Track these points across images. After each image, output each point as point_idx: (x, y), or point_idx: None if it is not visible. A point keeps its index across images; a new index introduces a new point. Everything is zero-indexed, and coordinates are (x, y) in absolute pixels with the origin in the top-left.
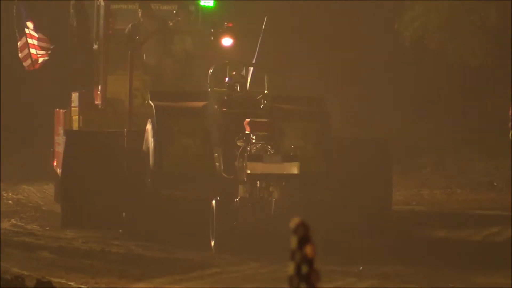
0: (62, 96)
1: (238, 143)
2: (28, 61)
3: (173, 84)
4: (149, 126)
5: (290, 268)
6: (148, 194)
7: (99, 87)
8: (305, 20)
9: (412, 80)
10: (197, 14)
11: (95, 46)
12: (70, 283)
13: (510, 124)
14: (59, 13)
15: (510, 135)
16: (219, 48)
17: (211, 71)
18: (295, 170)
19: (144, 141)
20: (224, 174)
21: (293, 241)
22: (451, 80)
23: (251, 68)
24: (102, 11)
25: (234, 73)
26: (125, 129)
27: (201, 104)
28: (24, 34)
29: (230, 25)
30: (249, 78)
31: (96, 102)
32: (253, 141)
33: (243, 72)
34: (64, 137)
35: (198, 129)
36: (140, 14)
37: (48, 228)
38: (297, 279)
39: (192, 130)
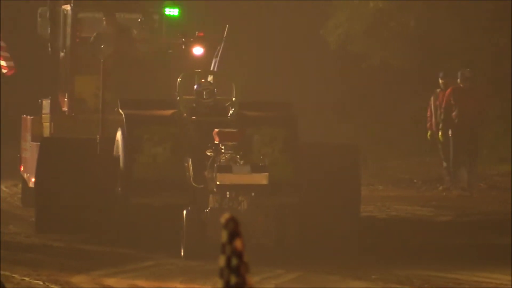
0: (28, 102)
1: (208, 153)
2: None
3: (139, 92)
4: (119, 134)
5: (221, 261)
6: (118, 201)
7: (66, 94)
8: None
9: (337, 83)
10: (162, 23)
11: (62, 54)
12: (13, 275)
13: (428, 124)
14: (25, 19)
15: (428, 134)
16: (190, 56)
17: (179, 79)
18: (264, 181)
19: (115, 149)
20: (194, 184)
21: (224, 235)
22: (373, 82)
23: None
24: (69, 19)
25: (202, 80)
26: (98, 136)
27: (170, 112)
28: None
29: (201, 34)
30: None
31: (63, 108)
32: (222, 151)
33: (211, 80)
34: (35, 143)
35: (167, 137)
36: (104, 23)
37: None
38: (228, 271)
39: (161, 138)
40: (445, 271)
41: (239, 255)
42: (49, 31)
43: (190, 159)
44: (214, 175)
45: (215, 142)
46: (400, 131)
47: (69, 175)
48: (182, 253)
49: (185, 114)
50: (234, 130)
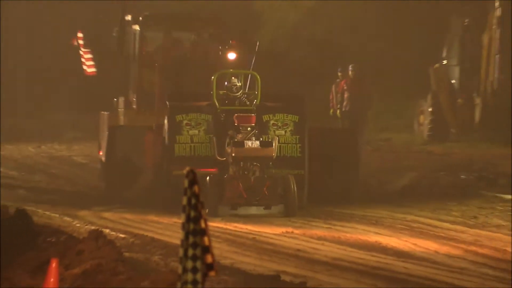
0: (105, 101)
1: (229, 133)
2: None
3: (188, 88)
4: (166, 121)
5: (184, 201)
6: (163, 174)
7: (135, 94)
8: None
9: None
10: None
11: (132, 63)
12: (37, 210)
13: (330, 104)
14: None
15: (331, 112)
16: (225, 60)
17: (213, 77)
18: (270, 153)
19: (163, 132)
20: (217, 157)
21: (185, 183)
22: (293, 76)
23: (249, 75)
24: (137, 37)
25: (233, 78)
26: (154, 124)
27: (205, 103)
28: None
29: (234, 42)
30: (247, 83)
31: (133, 106)
32: (241, 131)
33: (241, 78)
34: (107, 132)
35: (202, 123)
36: (164, 40)
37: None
38: (188, 208)
39: (196, 123)
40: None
41: (196, 196)
42: (118, 46)
43: (215, 138)
44: (231, 149)
45: (235, 124)
46: (316, 110)
47: (130, 154)
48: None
49: (217, 104)
50: (250, 115)
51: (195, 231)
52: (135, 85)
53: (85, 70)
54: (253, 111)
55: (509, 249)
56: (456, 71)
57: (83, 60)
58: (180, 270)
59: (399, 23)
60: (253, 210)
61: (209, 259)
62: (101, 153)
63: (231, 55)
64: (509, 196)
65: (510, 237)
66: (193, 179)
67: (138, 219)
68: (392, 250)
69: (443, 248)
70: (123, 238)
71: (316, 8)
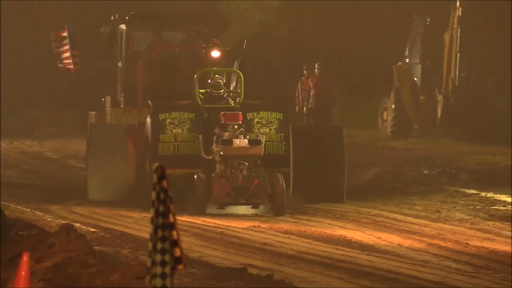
0: (93, 101)
1: (215, 131)
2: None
3: (171, 87)
4: (148, 120)
5: (153, 195)
6: (147, 172)
7: (122, 93)
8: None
9: None
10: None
11: (119, 64)
12: (9, 204)
13: (296, 101)
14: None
15: (296, 109)
16: (208, 58)
17: (196, 76)
18: (258, 152)
19: (145, 130)
20: (204, 155)
21: (154, 178)
22: (260, 74)
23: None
24: (124, 36)
25: (216, 76)
26: (137, 122)
27: (187, 102)
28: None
29: (218, 41)
30: (233, 82)
31: (121, 106)
32: (228, 129)
33: (224, 77)
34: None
35: (185, 121)
36: (152, 40)
37: None
38: (157, 202)
39: (180, 122)
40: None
41: (165, 191)
42: (104, 46)
43: (201, 136)
44: (219, 148)
45: (222, 122)
46: None
47: (111, 152)
48: (193, 209)
49: (200, 103)
50: (236, 112)
51: (163, 225)
52: (121, 84)
53: (68, 67)
54: (237, 109)
55: (471, 242)
56: (418, 68)
57: (65, 55)
58: (149, 263)
59: (363, 22)
60: (242, 209)
61: (177, 252)
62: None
63: (215, 53)
64: (471, 191)
65: (472, 231)
66: (162, 174)
67: (108, 213)
68: (357, 243)
69: (407, 242)
70: (93, 232)
71: (283, 8)
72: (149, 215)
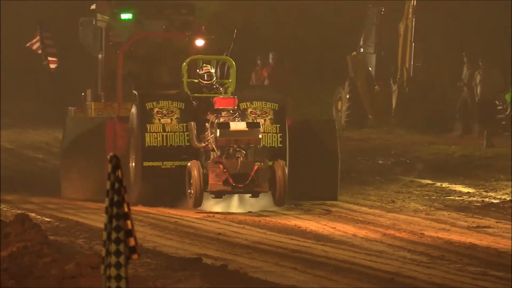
0: (72, 96)
1: (208, 117)
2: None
3: (159, 78)
4: (133, 109)
5: (107, 185)
6: (134, 165)
7: (102, 88)
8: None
9: None
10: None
11: (99, 55)
12: None
13: None
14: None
15: None
16: (193, 46)
17: (184, 64)
18: (257, 135)
19: (130, 122)
20: (196, 143)
21: (108, 168)
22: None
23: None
24: (103, 28)
25: (204, 65)
26: (116, 116)
27: (175, 91)
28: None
29: (202, 29)
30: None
31: (102, 100)
32: (222, 114)
33: (213, 66)
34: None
35: (174, 111)
36: (134, 29)
37: None
38: (112, 192)
39: (168, 111)
40: None
41: (120, 181)
42: (83, 37)
43: (193, 123)
44: (214, 132)
45: (215, 108)
46: None
47: (87, 146)
48: (190, 203)
49: (188, 92)
50: (230, 97)
51: (118, 215)
52: (102, 77)
53: (48, 66)
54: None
55: (426, 232)
56: (373, 58)
57: (46, 53)
58: (103, 253)
59: (318, 12)
60: (240, 199)
61: (131, 242)
62: None
63: (199, 42)
64: (426, 181)
65: (427, 221)
66: (116, 164)
67: (63, 203)
68: (311, 233)
69: (361, 232)
70: (49, 221)
71: None
72: (104, 204)
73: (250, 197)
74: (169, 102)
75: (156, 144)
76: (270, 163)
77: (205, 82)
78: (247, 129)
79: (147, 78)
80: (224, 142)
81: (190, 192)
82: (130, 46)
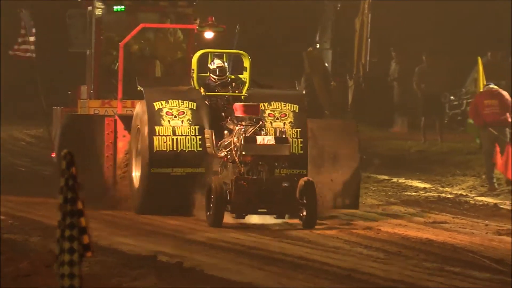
0: (58, 95)
1: (228, 125)
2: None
3: (153, 73)
4: (139, 108)
5: (61, 182)
6: (141, 171)
7: (92, 86)
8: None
9: None
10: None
11: (88, 51)
12: None
13: None
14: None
15: None
16: (202, 39)
17: (194, 58)
18: (286, 152)
19: (133, 122)
20: (213, 152)
21: (63, 164)
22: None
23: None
24: (94, 20)
25: (215, 59)
26: (116, 113)
27: (186, 88)
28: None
29: (211, 19)
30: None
31: (91, 98)
32: (243, 123)
33: (226, 60)
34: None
35: (185, 111)
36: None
37: None
38: (66, 189)
39: (179, 112)
40: None
41: (74, 178)
42: (71, 31)
43: (211, 131)
44: (239, 146)
45: (236, 115)
46: None
47: (87, 145)
48: (207, 217)
49: (201, 90)
50: (254, 104)
51: (72, 212)
52: (92, 74)
53: (19, 54)
54: (247, 98)
55: (382, 228)
56: (329, 54)
57: (20, 41)
58: (57, 251)
59: (275, 7)
60: (266, 219)
61: (86, 239)
62: (53, 155)
63: (208, 34)
64: (382, 176)
65: (383, 217)
66: (71, 161)
67: (20, 201)
68: (268, 230)
69: (318, 228)
70: (3, 220)
71: None
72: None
73: (275, 217)
74: (180, 101)
75: (165, 149)
76: (289, 171)
77: (217, 77)
78: (275, 144)
79: (146, 74)
80: (249, 158)
81: (210, 211)
82: (129, 43)
